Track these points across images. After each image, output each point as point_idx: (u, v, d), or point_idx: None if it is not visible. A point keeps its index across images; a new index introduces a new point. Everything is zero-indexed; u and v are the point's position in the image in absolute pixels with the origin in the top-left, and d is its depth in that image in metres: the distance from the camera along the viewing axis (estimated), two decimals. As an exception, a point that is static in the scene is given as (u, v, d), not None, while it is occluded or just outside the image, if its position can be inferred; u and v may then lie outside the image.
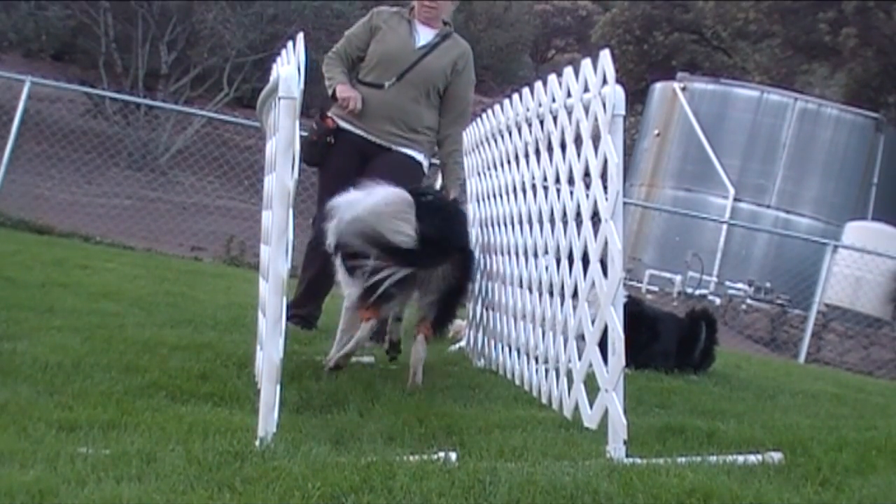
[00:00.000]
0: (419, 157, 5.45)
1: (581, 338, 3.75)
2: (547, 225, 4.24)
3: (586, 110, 3.72)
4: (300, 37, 3.41)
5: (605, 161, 3.54)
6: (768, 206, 15.97)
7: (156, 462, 2.61)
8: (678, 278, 14.59)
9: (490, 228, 5.13)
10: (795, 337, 12.49)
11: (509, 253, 4.71)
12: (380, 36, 5.46)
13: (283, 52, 3.75)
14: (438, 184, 5.65)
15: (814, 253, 12.65)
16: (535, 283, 4.30)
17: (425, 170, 5.56)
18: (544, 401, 4.06)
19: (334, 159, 5.37)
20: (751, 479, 2.89)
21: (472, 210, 5.60)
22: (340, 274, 4.37)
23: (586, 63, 3.71)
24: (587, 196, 3.73)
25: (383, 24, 5.49)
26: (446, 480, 2.60)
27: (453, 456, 2.94)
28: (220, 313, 5.74)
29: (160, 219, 13.31)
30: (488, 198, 5.18)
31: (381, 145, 5.39)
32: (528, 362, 4.35)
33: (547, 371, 4.09)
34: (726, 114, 16.61)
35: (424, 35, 5.47)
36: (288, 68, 3.30)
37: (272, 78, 3.90)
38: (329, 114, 5.43)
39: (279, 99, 3.22)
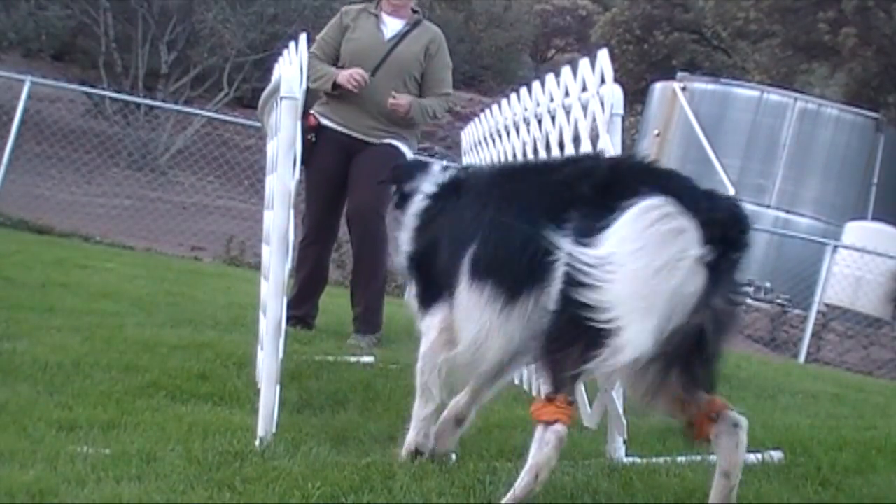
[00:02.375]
0: (404, 146, 5.44)
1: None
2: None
3: (585, 110, 3.71)
4: (303, 37, 3.41)
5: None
6: (768, 206, 15.95)
7: (156, 462, 2.61)
8: (678, 278, 14.56)
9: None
10: (795, 337, 12.48)
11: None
12: (349, 34, 5.47)
13: (285, 52, 3.76)
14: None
15: (814, 253, 12.64)
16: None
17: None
18: (544, 401, 4.05)
19: (319, 158, 5.36)
20: (751, 479, 2.90)
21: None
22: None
23: (584, 62, 3.71)
24: (587, 196, 3.72)
25: (351, 23, 5.50)
26: (446, 480, 2.60)
27: (453, 456, 2.94)
28: (220, 313, 5.74)
29: (160, 219, 13.30)
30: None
31: (364, 140, 5.40)
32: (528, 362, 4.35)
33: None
34: (726, 114, 16.59)
35: (393, 26, 5.47)
36: (290, 69, 3.31)
37: (274, 78, 3.90)
38: (312, 111, 5.42)
39: (281, 99, 3.23)
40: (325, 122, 5.42)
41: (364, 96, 5.33)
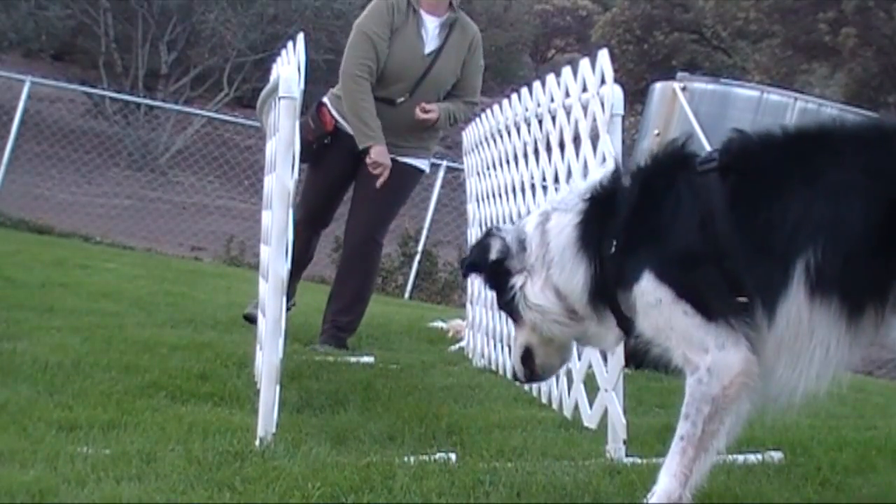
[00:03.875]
0: (422, 164, 5.22)
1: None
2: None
3: (585, 110, 3.71)
4: (300, 37, 3.41)
5: (604, 161, 3.54)
6: (769, 206, 15.95)
7: (156, 462, 2.61)
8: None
9: (490, 228, 5.12)
10: (795, 337, 12.45)
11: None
12: (391, 42, 5.00)
13: (284, 52, 3.76)
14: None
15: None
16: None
17: (427, 169, 5.33)
18: (544, 401, 4.06)
19: (328, 159, 5.09)
20: (751, 479, 2.89)
21: (471, 210, 5.60)
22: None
23: (585, 63, 3.71)
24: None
25: (396, 19, 5.02)
26: (446, 480, 2.60)
27: (453, 456, 2.94)
28: (220, 313, 5.74)
29: (160, 219, 13.32)
30: (488, 198, 5.18)
31: None
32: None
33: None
34: (726, 114, 16.52)
35: (431, 29, 5.07)
36: (288, 68, 3.31)
37: (272, 78, 3.90)
38: (328, 105, 5.10)
39: (279, 99, 3.23)
40: (343, 124, 5.06)
41: (396, 118, 5.02)
